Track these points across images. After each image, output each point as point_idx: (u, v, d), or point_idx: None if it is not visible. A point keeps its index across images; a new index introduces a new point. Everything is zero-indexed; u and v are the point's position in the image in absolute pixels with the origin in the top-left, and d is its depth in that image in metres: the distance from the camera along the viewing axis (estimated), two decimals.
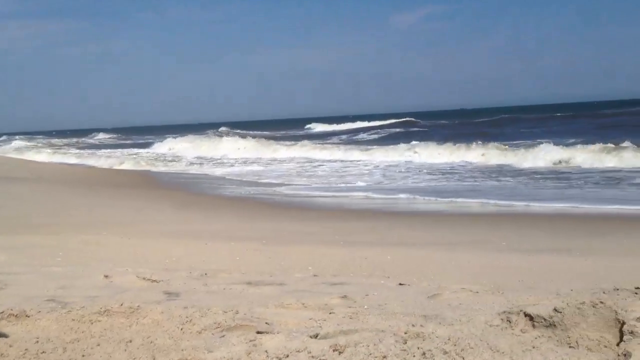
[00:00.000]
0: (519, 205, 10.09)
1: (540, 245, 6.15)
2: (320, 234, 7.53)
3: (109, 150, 40.11)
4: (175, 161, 27.78)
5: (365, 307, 3.53)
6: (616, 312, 2.85)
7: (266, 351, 2.50)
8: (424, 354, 2.38)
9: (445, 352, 2.38)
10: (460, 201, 10.84)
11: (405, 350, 2.42)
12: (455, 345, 2.45)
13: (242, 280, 4.36)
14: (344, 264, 5.27)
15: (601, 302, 2.89)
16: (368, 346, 2.44)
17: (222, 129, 60.15)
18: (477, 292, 3.96)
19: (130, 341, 2.74)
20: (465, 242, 6.51)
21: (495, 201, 10.62)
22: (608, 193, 11.39)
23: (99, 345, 2.70)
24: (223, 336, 2.67)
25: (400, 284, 4.30)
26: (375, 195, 12.30)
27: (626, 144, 18.17)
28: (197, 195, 13.67)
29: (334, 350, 2.41)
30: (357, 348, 2.42)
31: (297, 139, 39.33)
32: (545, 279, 4.51)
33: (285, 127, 66.07)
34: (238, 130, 54.66)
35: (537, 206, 9.84)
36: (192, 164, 26.09)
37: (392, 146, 25.49)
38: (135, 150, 38.69)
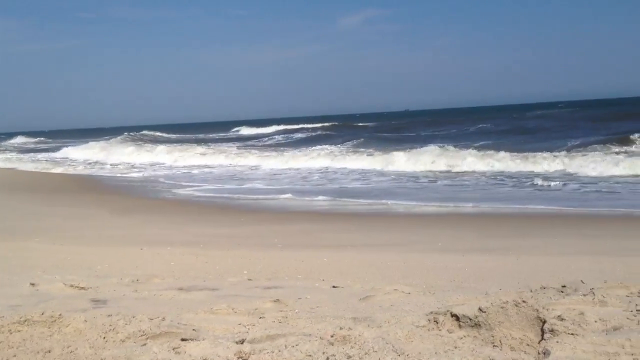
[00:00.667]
0: (450, 206, 10.29)
1: (474, 245, 6.28)
2: (258, 238, 7.49)
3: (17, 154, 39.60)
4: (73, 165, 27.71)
5: (297, 310, 3.52)
6: (538, 310, 2.93)
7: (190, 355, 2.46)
8: (327, 359, 2.39)
9: (349, 357, 2.39)
10: (391, 203, 11.00)
11: (310, 356, 2.42)
12: (360, 349, 2.46)
13: (174, 286, 4.29)
14: (280, 267, 5.25)
15: (524, 301, 2.97)
16: (273, 352, 2.43)
17: (144, 132, 60.08)
18: (409, 293, 4.01)
19: (49, 351, 2.65)
20: (399, 244, 6.58)
21: (425, 203, 10.83)
22: (521, 194, 11.78)
23: (15, 356, 2.61)
24: (145, 344, 2.61)
25: (334, 287, 4.31)
26: (306, 198, 12.33)
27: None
28: (136, 199, 13.40)
29: (238, 358, 2.39)
30: (261, 355, 2.41)
31: (217, 142, 41.24)
32: (476, 279, 4.59)
33: (215, 130, 65.84)
34: (160, 134, 54.94)
35: (468, 207, 10.04)
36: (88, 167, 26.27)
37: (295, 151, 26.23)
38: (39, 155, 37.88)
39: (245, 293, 4.03)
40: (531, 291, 3.88)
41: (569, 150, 19.41)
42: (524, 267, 4.99)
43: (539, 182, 13.23)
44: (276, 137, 45.12)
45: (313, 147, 28.53)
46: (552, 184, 12.94)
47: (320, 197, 12.24)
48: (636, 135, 21.31)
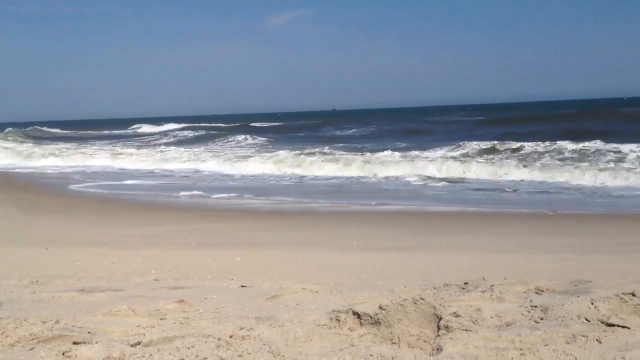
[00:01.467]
0: (367, 204, 10.46)
1: (386, 244, 6.39)
2: (173, 237, 7.36)
3: None
4: None
5: (201, 311, 3.48)
6: (435, 307, 3.02)
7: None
8: None
9: (222, 359, 2.39)
10: (307, 201, 11.09)
11: (206, 358, 2.40)
12: (235, 350, 2.47)
13: (76, 287, 4.15)
14: (190, 267, 5.18)
15: (422, 299, 3.05)
16: (166, 354, 2.40)
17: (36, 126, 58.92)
18: (317, 292, 4.04)
19: None
20: (315, 242, 6.62)
21: (338, 201, 10.98)
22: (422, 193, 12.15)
23: None
24: (33, 349, 2.51)
25: (243, 286, 4.29)
26: (219, 195, 12.29)
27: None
28: (42, 196, 12.89)
29: None
30: (153, 357, 2.37)
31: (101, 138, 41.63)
32: (384, 277, 4.67)
33: (112, 127, 64.64)
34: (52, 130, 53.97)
35: (384, 205, 10.24)
36: None
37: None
38: None
39: (149, 294, 3.95)
40: (434, 288, 3.98)
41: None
42: (432, 265, 5.12)
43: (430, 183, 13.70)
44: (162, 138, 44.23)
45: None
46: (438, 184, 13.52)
47: (233, 194, 12.21)
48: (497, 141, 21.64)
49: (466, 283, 4.19)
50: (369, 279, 4.60)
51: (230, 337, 2.73)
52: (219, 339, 2.69)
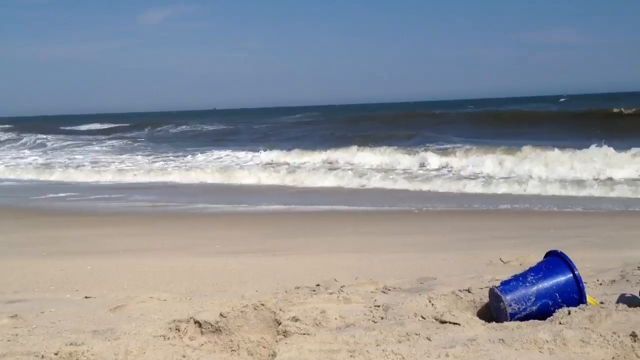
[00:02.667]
0: (227, 206, 10.42)
1: (249, 247, 6.36)
2: (23, 245, 6.91)
3: None
4: None
5: (34, 326, 3.30)
6: (275, 312, 3.03)
7: None
8: None
9: None
10: (162, 204, 10.88)
11: None
12: None
13: None
14: (34, 278, 4.89)
15: (262, 305, 3.05)
16: None
17: None
18: (165, 300, 3.95)
19: None
20: (172, 247, 6.47)
21: (194, 204, 10.88)
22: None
23: None
24: None
25: (87, 297, 4.11)
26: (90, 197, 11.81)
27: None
28: None
29: None
30: None
31: None
32: (239, 282, 4.65)
33: None
34: None
35: (250, 208, 10.22)
36: None
37: None
38: None
39: None
40: (286, 292, 4.02)
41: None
42: (288, 268, 5.16)
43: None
44: None
45: None
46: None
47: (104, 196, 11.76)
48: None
49: (318, 285, 4.27)
50: (224, 285, 4.55)
51: (56, 354, 2.59)
52: (42, 356, 2.55)
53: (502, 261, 5.03)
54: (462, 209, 9.29)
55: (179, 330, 3.02)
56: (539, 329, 2.71)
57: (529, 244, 5.90)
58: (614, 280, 4.01)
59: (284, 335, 2.84)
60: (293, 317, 3.01)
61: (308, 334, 2.84)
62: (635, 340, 2.50)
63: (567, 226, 7.15)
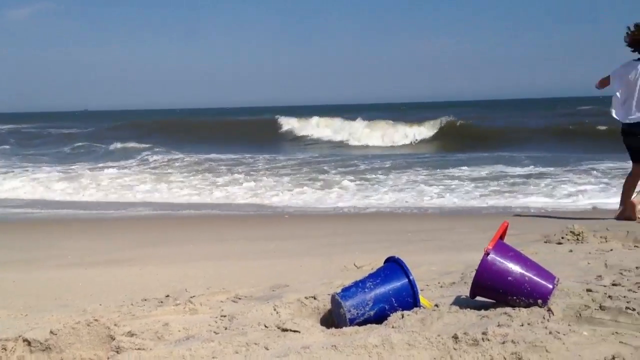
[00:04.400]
0: (82, 212, 10.11)
1: (103, 257, 6.17)
2: None
3: None
4: None
5: None
6: (109, 328, 2.96)
7: None
8: None
9: None
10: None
11: None
12: None
13: None
14: None
15: (96, 320, 2.98)
16: None
17: None
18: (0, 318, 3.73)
19: None
20: (15, 259, 6.14)
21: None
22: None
23: None
24: None
25: None
26: None
27: None
28: None
29: None
30: None
31: None
32: (85, 294, 4.51)
33: None
34: None
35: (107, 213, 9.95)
36: None
37: None
38: None
39: None
40: (132, 304, 3.93)
41: None
42: (142, 278, 5.05)
43: None
44: None
45: None
46: None
47: None
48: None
49: (167, 296, 4.22)
50: (68, 299, 4.38)
51: None
52: None
53: (356, 266, 5.20)
54: (333, 213, 9.51)
55: (5, 350, 2.89)
56: (370, 334, 2.84)
57: (387, 248, 6.13)
58: (453, 282, 4.26)
59: (117, 352, 2.79)
60: (128, 331, 2.96)
61: (143, 349, 2.80)
62: (456, 342, 2.68)
63: (423, 229, 7.51)
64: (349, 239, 6.94)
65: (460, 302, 3.60)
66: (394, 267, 3.42)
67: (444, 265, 4.96)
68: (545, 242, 5.84)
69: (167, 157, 20.50)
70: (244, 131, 33.56)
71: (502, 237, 3.55)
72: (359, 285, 3.35)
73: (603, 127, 24.11)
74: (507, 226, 3.57)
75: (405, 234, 7.25)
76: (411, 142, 28.08)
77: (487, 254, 3.32)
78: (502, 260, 3.30)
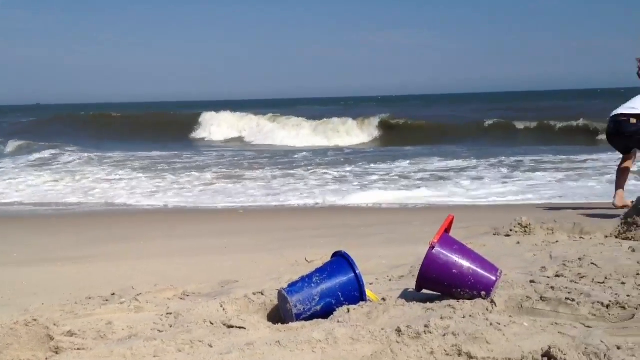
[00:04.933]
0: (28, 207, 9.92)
1: (55, 254, 6.04)
2: None
3: None
4: None
5: None
6: (48, 328, 2.91)
7: None
8: None
9: None
10: None
11: None
12: None
13: None
14: None
15: (34, 320, 2.93)
16: None
17: None
18: None
19: None
20: None
21: None
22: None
23: None
24: None
25: None
26: None
27: None
28: None
29: None
30: None
31: None
32: (28, 294, 4.42)
33: None
34: None
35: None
36: None
37: None
38: None
39: None
40: (75, 303, 3.86)
41: None
42: (89, 276, 4.98)
43: None
44: None
45: None
46: None
47: None
48: None
49: (113, 294, 4.16)
50: (10, 298, 4.29)
51: None
52: None
53: (307, 261, 5.21)
54: (286, 206, 9.50)
55: None
56: (314, 329, 2.85)
57: (338, 242, 6.16)
58: (402, 276, 4.31)
59: (56, 352, 2.74)
60: (69, 331, 2.91)
61: (83, 349, 2.76)
62: (399, 335, 2.71)
63: (377, 222, 7.58)
64: (300, 234, 6.94)
65: (407, 296, 3.65)
66: (340, 261, 3.44)
67: (395, 259, 5.01)
68: (494, 234, 5.95)
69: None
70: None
71: (447, 230, 3.61)
72: (305, 281, 3.36)
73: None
74: (453, 219, 3.63)
75: (357, 228, 7.29)
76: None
77: (432, 247, 3.37)
78: (447, 254, 3.35)
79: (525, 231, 5.80)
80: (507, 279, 3.84)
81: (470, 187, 11.27)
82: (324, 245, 5.97)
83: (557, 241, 5.25)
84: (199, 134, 32.71)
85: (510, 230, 5.85)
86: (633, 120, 7.44)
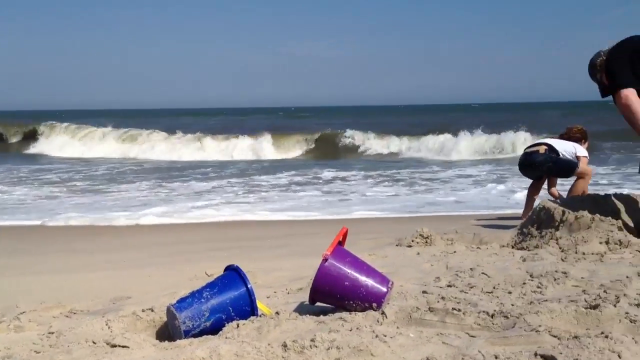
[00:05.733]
0: None
1: None
2: None
3: None
4: None
5: None
6: None
7: None
8: None
9: None
10: None
11: None
12: None
13: None
14: None
15: None
16: None
17: None
18: None
19: None
20: None
21: None
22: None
23: None
24: None
25: None
26: None
27: None
28: None
29: None
30: None
31: None
32: None
33: None
34: None
35: None
36: None
37: None
38: None
39: None
40: None
41: None
42: None
43: None
44: None
45: None
46: None
47: None
48: None
49: None
50: None
51: None
52: None
53: (207, 274, 5.12)
54: (185, 221, 9.32)
55: None
56: (199, 346, 2.80)
57: (239, 255, 6.13)
58: (300, 288, 4.30)
59: None
60: None
61: None
62: (285, 350, 2.69)
63: (278, 235, 7.56)
64: (201, 247, 6.84)
65: (302, 309, 3.65)
66: (232, 275, 3.40)
67: (295, 271, 5.00)
68: (397, 245, 6.06)
69: None
70: None
71: (342, 242, 3.64)
72: (195, 296, 3.30)
73: None
74: (347, 232, 3.66)
75: (261, 240, 7.26)
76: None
77: (325, 260, 3.38)
78: (339, 266, 3.37)
79: (426, 242, 5.94)
80: (402, 289, 3.92)
81: (377, 198, 11.50)
82: (225, 259, 5.88)
83: (454, 251, 5.39)
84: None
85: (412, 241, 5.98)
86: (541, 150, 7.94)
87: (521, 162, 8.26)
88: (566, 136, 8.34)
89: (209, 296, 3.28)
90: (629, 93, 5.03)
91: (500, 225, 7.67)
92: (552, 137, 8.48)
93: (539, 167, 8.05)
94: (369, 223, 8.69)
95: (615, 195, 6.18)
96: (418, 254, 5.46)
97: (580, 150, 8.10)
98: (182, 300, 3.29)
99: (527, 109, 69.93)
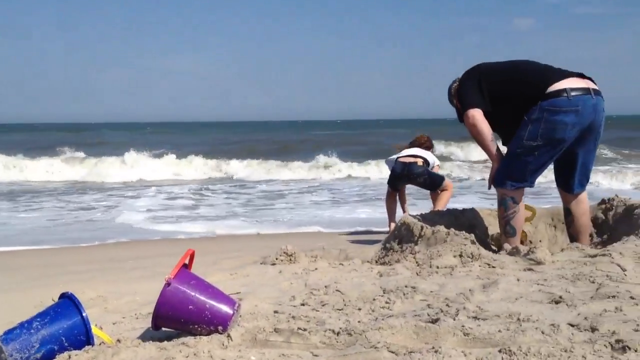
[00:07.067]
0: None
1: None
2: None
3: None
4: None
5: None
6: None
7: None
8: None
9: None
10: None
11: None
12: None
13: None
14: None
15: None
16: None
17: None
18: None
19: None
20: None
21: None
22: None
23: None
24: None
25: None
26: None
27: None
28: None
29: None
30: None
31: None
32: None
33: None
34: None
35: None
36: None
37: None
38: None
39: None
40: None
41: None
42: None
43: None
44: None
45: None
46: None
47: None
48: None
49: None
50: None
51: None
52: None
53: (53, 301, 4.87)
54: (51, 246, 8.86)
55: None
56: None
57: (95, 278, 5.85)
58: (150, 313, 4.16)
59: None
60: None
61: None
62: None
63: (144, 256, 7.35)
64: (55, 270, 6.51)
65: (146, 335, 3.54)
66: (66, 303, 3.24)
67: (150, 295, 4.82)
68: (261, 263, 6.03)
69: None
70: None
71: (188, 265, 3.58)
72: (24, 326, 3.11)
73: None
74: (193, 253, 3.60)
75: (121, 262, 7.01)
76: None
77: (168, 284, 3.30)
78: (183, 289, 3.30)
79: (290, 260, 5.94)
80: (255, 309, 3.89)
81: (253, 216, 11.47)
82: (91, 280, 5.67)
83: (316, 269, 5.43)
84: None
85: (276, 259, 5.96)
86: (420, 163, 8.21)
87: (399, 172, 8.41)
88: (417, 144, 8.65)
89: (39, 326, 3.10)
90: (475, 113, 5.30)
91: (370, 241, 7.85)
92: (407, 147, 8.67)
93: (416, 178, 8.29)
94: (236, 240, 8.65)
95: (473, 209, 6.51)
96: (280, 272, 5.44)
97: (436, 159, 8.49)
98: (9, 332, 3.09)
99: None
